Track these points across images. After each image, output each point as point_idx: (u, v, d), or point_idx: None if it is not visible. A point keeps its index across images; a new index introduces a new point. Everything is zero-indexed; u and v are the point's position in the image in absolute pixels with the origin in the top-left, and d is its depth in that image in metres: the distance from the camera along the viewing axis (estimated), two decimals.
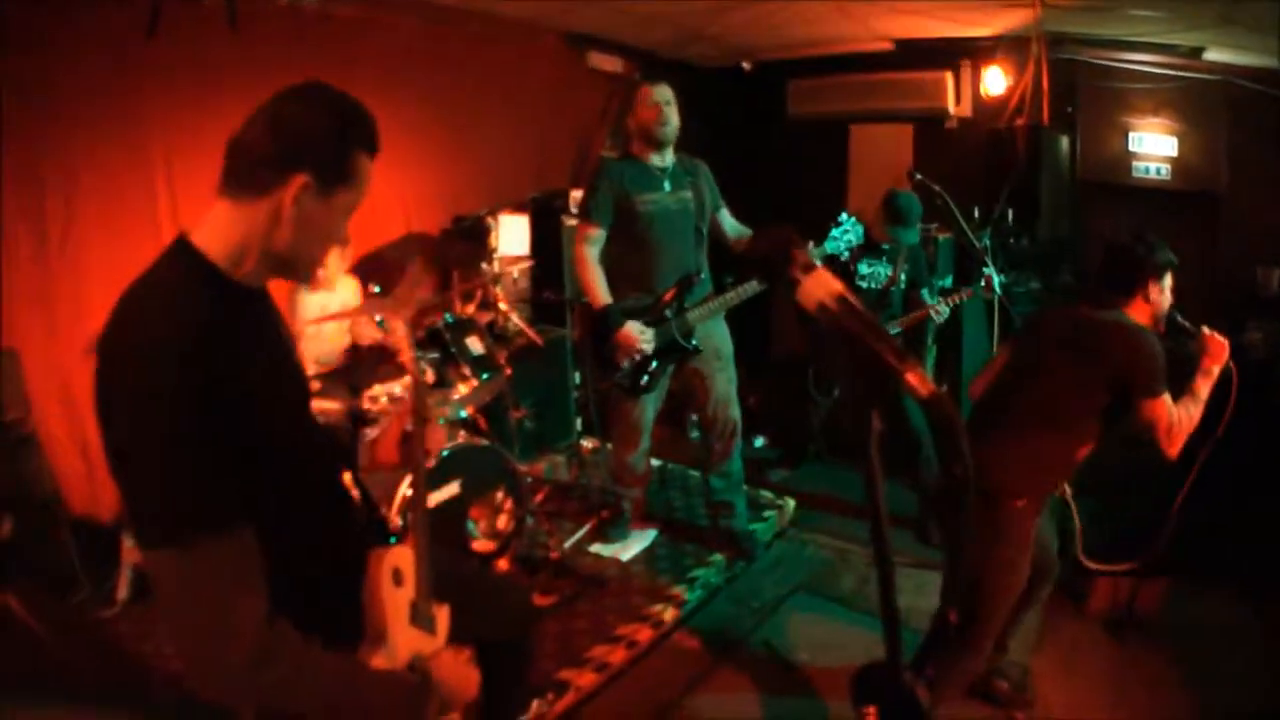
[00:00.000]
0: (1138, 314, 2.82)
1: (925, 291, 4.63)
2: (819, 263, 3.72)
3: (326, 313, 4.25)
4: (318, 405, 3.87)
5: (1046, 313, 3.64)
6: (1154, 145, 5.66)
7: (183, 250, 1.45)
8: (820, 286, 1.19)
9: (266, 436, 1.41)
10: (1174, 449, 2.70)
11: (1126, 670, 3.49)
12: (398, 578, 1.71)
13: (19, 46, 3.64)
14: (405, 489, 3.53)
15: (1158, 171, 5.66)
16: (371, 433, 3.90)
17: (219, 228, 1.46)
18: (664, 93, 3.89)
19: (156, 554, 1.28)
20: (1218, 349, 2.86)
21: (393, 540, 1.81)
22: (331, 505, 1.71)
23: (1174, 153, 5.61)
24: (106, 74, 3.96)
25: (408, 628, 1.70)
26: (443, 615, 1.81)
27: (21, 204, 3.77)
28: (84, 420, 3.84)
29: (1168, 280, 2.85)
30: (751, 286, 3.88)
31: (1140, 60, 5.64)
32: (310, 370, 4.31)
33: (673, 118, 3.89)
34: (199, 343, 1.31)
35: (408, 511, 3.49)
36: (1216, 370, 2.85)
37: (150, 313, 1.36)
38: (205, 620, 1.28)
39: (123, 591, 3.75)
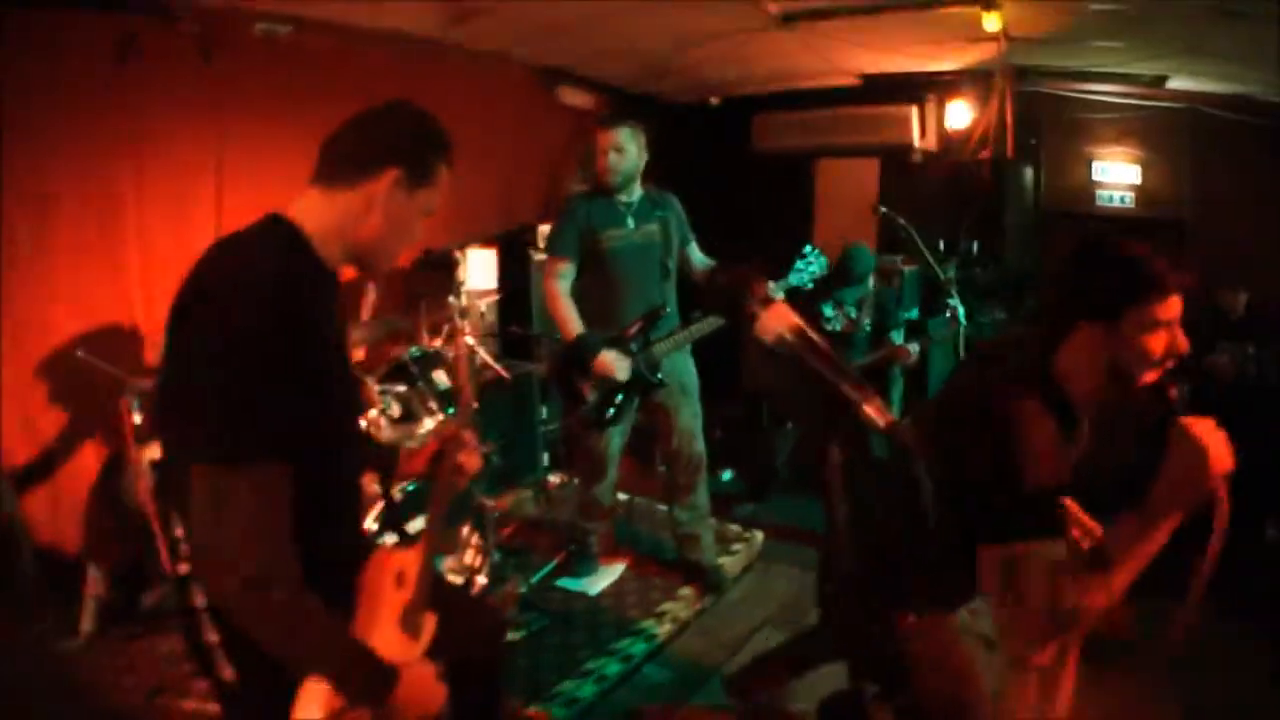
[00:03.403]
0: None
1: (894, 334, 4.66)
2: (782, 295, 3.72)
3: None
4: None
5: None
6: (1117, 174, 5.77)
7: (277, 220, 1.62)
8: (778, 320, 1.19)
9: (317, 402, 1.53)
10: None
11: (1107, 692, 3.48)
12: (400, 580, 1.77)
13: None
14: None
15: (1121, 200, 5.76)
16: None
17: (312, 209, 1.64)
18: (614, 139, 3.85)
19: (205, 467, 1.41)
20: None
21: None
22: (354, 489, 1.83)
23: (1138, 180, 5.73)
24: (77, 99, 3.93)
25: (395, 629, 1.74)
26: (429, 623, 1.84)
27: None
28: (48, 447, 3.81)
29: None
30: (715, 320, 3.88)
31: (1104, 90, 5.76)
32: None
33: (621, 164, 3.87)
34: (286, 292, 1.47)
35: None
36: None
37: (246, 260, 1.52)
38: (227, 533, 1.39)
39: (86, 624, 3.67)
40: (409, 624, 1.77)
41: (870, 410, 1.11)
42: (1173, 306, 1.80)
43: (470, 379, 2.14)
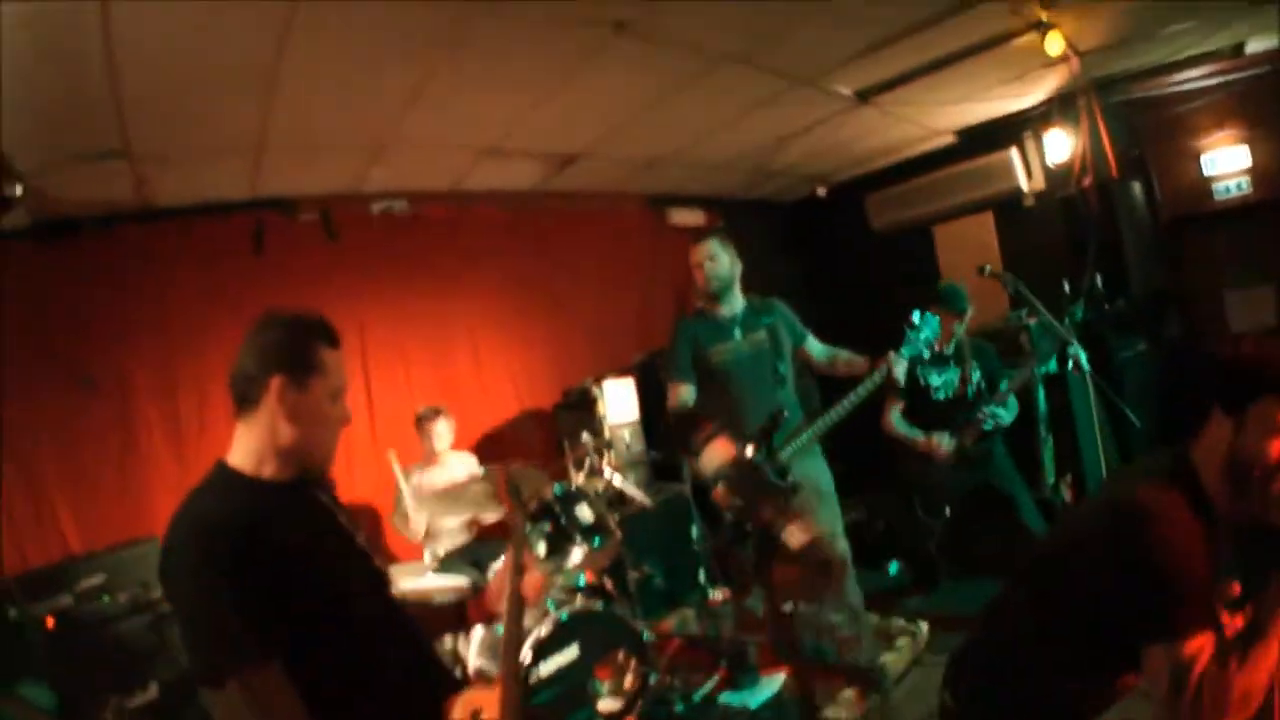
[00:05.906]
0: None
1: (1004, 384, 4.51)
2: (904, 365, 3.62)
3: (432, 489, 4.55)
4: (442, 583, 4.17)
5: None
6: (1227, 161, 5.49)
7: (216, 467, 1.82)
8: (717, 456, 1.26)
9: (303, 597, 1.67)
10: None
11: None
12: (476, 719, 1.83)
13: (146, 262, 4.39)
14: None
15: (1238, 187, 5.42)
16: None
17: (239, 443, 1.82)
18: (704, 250, 3.98)
19: (203, 691, 1.61)
20: None
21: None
22: (403, 663, 1.89)
23: (1249, 162, 5.41)
24: (221, 286, 4.58)
25: None
26: None
27: (160, 408, 4.42)
28: None
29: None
30: (839, 411, 3.72)
31: (1188, 77, 5.52)
32: (440, 550, 4.63)
33: (716, 270, 3.96)
34: (222, 529, 1.63)
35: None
36: None
37: (188, 513, 1.72)
38: None
39: None
40: None
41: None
42: None
43: (517, 500, 2.22)
